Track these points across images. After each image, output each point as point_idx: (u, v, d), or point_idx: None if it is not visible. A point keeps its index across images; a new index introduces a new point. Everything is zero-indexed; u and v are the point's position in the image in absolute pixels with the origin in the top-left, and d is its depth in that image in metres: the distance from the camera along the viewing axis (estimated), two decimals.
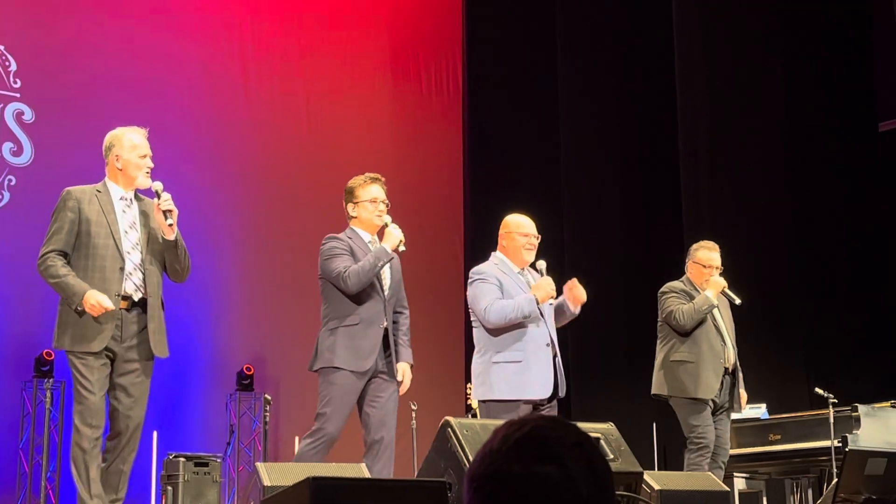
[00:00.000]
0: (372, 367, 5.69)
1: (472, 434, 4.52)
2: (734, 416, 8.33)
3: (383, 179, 5.99)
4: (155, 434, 8.53)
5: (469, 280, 6.20)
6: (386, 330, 5.78)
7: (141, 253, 5.30)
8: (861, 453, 6.85)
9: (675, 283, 7.17)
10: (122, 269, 5.21)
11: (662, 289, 7.17)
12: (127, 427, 5.23)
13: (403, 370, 5.88)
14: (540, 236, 6.24)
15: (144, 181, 5.35)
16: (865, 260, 10.00)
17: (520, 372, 5.92)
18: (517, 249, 6.15)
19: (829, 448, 7.47)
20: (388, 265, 5.84)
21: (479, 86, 11.93)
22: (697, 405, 6.92)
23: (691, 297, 7.05)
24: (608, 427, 5.13)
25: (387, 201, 5.93)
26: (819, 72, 10.35)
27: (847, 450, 7.18)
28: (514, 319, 5.91)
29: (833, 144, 10.28)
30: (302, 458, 5.52)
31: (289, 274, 10.87)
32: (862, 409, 7.83)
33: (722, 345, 7.03)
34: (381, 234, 5.90)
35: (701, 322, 6.98)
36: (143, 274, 5.28)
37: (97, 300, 5.09)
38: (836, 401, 7.63)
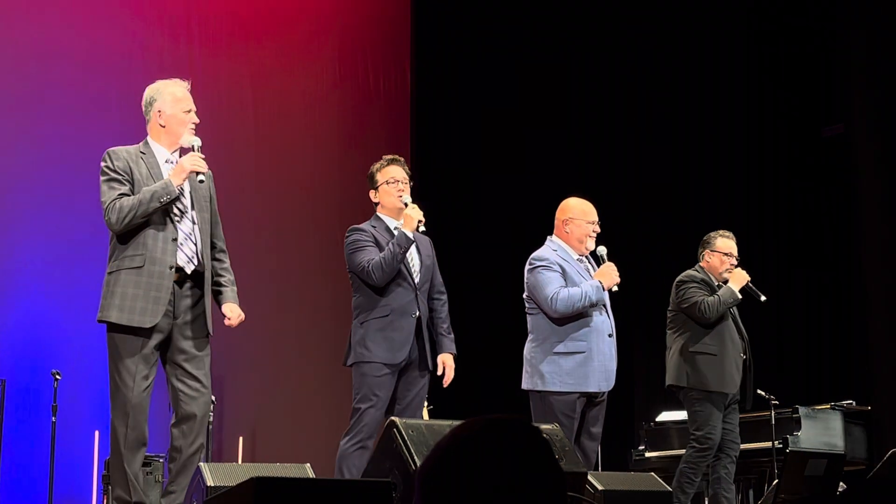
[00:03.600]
0: (405, 359, 5.47)
1: (417, 434, 4.52)
2: (676, 416, 8.39)
3: (402, 160, 5.77)
4: (97, 434, 8.44)
5: (529, 266, 6.02)
6: (419, 319, 5.52)
7: (191, 221, 4.90)
8: (801, 454, 6.93)
9: (693, 273, 6.94)
10: (174, 239, 4.78)
11: (681, 277, 6.92)
12: (194, 413, 4.80)
13: (444, 361, 5.59)
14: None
15: (189, 139, 4.92)
16: (807, 264, 10.10)
17: (582, 363, 5.79)
18: (582, 236, 6.02)
19: (770, 449, 7.55)
20: (416, 250, 5.62)
21: (426, 90, 11.90)
22: (714, 402, 6.69)
23: (710, 287, 6.85)
24: (553, 427, 5.15)
25: (407, 180, 5.70)
26: (762, 77, 10.44)
27: (788, 451, 7.28)
28: (581, 308, 5.78)
29: (776, 150, 10.37)
30: (343, 458, 5.32)
31: (234, 273, 10.76)
32: (802, 411, 7.94)
33: (740, 338, 6.91)
34: None
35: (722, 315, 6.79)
36: (196, 245, 4.90)
37: (190, 162, 4.76)
38: (777, 402, 7.72)
